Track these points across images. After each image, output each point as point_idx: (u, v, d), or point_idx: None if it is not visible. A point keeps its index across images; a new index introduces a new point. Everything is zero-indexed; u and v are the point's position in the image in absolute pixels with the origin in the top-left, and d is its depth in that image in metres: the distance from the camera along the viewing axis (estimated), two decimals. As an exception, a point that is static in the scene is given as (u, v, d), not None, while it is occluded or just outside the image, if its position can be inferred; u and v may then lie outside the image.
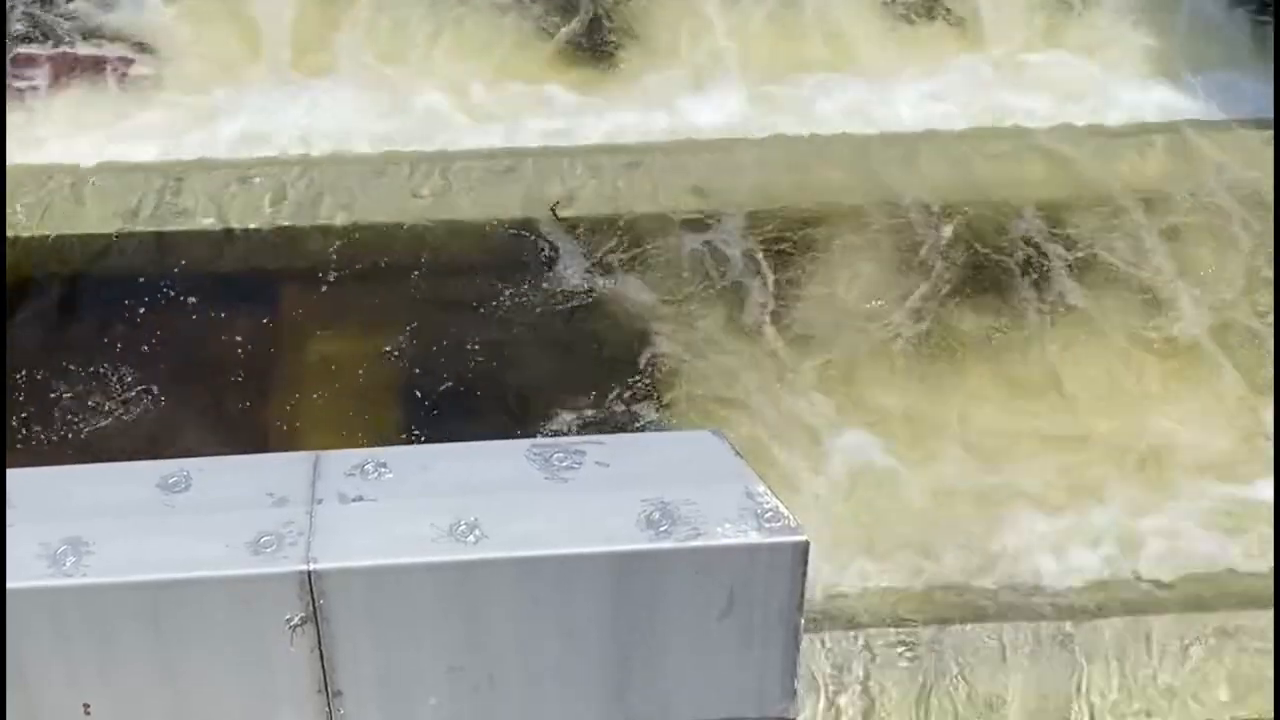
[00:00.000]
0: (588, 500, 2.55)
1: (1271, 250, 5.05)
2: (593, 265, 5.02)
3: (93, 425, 4.69)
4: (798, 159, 5.37)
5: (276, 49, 5.88)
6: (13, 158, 5.38)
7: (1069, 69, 5.83)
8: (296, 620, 2.47)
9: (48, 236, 5.17)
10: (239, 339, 4.90)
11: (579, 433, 4.49)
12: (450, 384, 4.76)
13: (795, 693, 2.60)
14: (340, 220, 5.21)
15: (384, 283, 5.03)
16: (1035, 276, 4.98)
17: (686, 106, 5.65)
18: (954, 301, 4.92)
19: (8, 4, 5.92)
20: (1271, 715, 3.88)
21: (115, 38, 5.98)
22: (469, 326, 4.92)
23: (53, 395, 4.75)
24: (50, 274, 5.17)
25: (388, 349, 4.84)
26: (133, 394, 4.77)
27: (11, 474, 2.59)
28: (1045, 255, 5.04)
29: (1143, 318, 4.88)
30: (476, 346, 4.84)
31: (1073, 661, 3.97)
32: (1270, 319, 4.90)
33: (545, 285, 4.97)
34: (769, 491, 2.54)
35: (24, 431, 4.62)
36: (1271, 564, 4.22)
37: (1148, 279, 4.99)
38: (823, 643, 3.94)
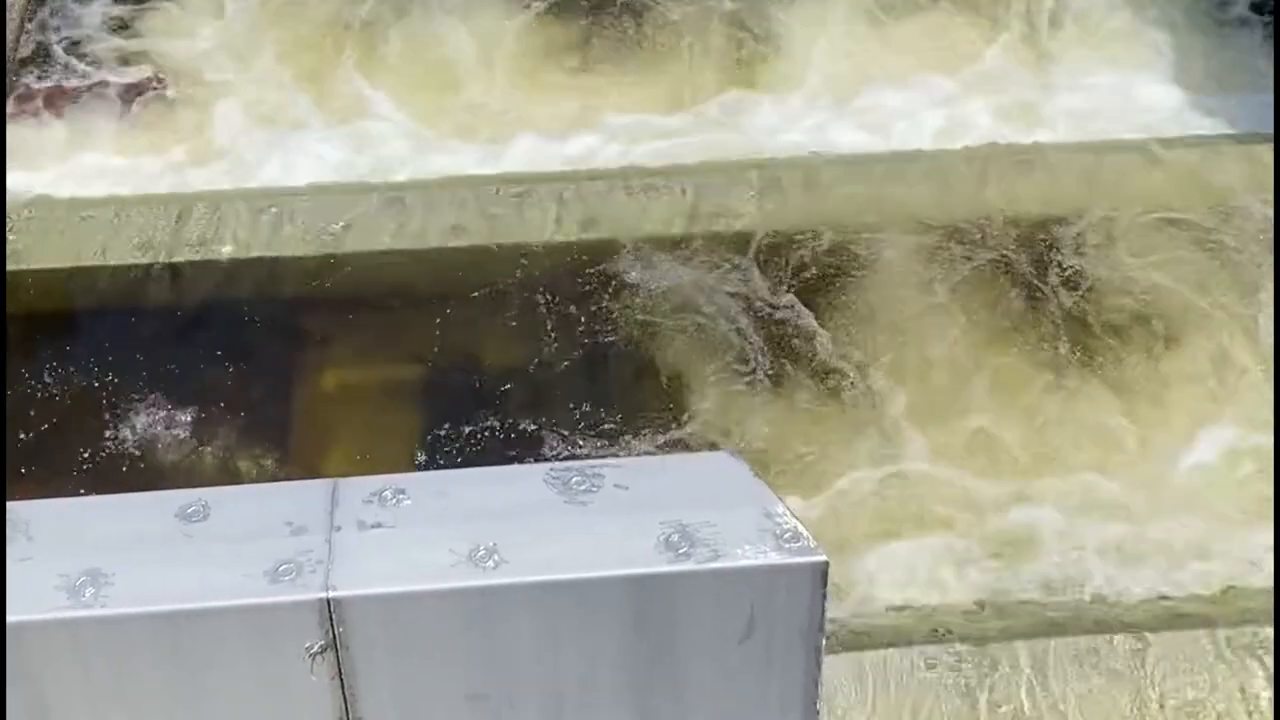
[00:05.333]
0: (606, 523, 2.54)
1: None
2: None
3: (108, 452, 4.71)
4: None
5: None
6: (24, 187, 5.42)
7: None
8: (316, 648, 2.47)
9: (64, 268, 5.20)
10: (260, 367, 4.92)
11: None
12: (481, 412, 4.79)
13: (817, 714, 2.59)
14: (358, 247, 5.23)
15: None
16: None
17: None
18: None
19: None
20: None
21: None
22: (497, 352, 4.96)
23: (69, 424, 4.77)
24: (70, 306, 5.19)
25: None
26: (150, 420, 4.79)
27: (30, 505, 2.59)
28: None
29: None
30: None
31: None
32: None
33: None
34: (787, 512, 2.53)
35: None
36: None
37: None
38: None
